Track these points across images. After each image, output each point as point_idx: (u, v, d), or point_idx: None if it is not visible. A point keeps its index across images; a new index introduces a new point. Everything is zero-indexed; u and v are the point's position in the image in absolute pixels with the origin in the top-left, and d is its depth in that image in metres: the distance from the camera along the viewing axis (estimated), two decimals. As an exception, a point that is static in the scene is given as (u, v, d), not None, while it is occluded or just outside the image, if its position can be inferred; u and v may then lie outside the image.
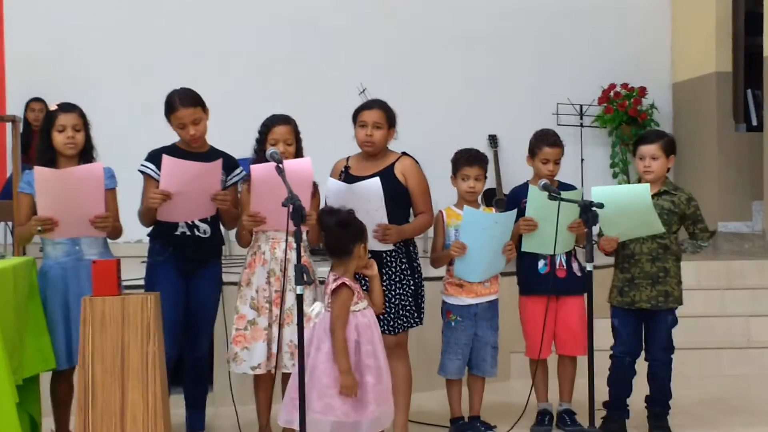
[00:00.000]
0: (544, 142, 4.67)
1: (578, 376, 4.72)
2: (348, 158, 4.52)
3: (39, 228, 4.01)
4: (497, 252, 4.47)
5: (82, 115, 4.24)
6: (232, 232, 4.58)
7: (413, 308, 4.38)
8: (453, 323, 4.61)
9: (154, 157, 4.33)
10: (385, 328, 4.25)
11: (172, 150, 4.35)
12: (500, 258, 4.51)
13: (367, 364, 3.80)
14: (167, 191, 4.10)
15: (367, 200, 4.11)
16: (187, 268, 4.37)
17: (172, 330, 4.20)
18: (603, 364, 4.52)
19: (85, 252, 4.20)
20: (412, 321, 4.39)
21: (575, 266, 4.73)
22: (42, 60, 8.40)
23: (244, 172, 4.45)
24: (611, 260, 4.77)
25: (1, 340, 3.53)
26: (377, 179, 4.18)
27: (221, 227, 4.50)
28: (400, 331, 4.34)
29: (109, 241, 4.34)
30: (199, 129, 4.34)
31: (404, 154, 4.51)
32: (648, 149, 4.58)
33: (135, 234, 4.48)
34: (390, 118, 4.40)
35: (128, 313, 3.65)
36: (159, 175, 4.23)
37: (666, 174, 4.66)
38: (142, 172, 4.36)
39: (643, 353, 4.65)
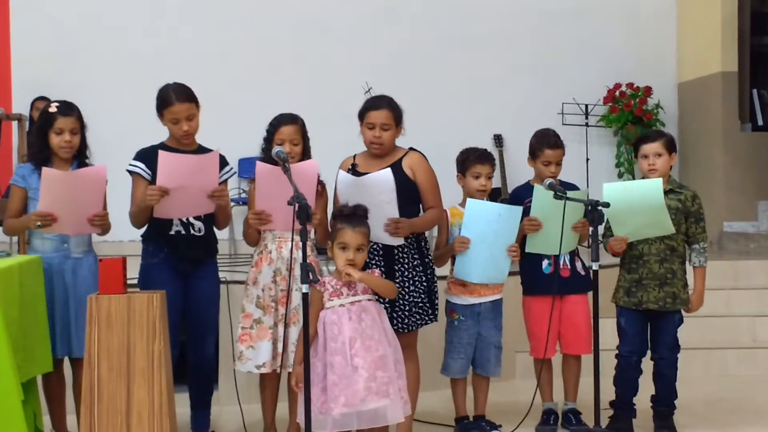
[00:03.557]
0: (546, 144, 4.66)
1: (583, 375, 4.72)
2: (355, 156, 4.51)
3: (39, 223, 4.02)
4: (500, 251, 4.45)
5: (80, 118, 4.25)
6: (239, 232, 4.58)
7: (426, 305, 4.34)
8: (456, 322, 4.61)
9: (143, 156, 4.31)
10: (399, 325, 4.22)
11: (162, 148, 4.30)
12: (502, 261, 4.48)
13: (331, 362, 3.79)
14: (165, 187, 4.07)
15: (379, 192, 4.08)
16: (184, 268, 4.36)
17: (171, 331, 4.19)
18: (608, 363, 4.52)
19: (73, 250, 4.23)
20: (426, 318, 4.35)
21: (578, 265, 4.73)
22: (47, 59, 8.41)
23: (234, 170, 4.46)
24: (617, 260, 4.76)
25: (7, 337, 3.54)
26: (389, 170, 4.13)
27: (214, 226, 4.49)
28: (414, 328, 4.30)
29: (113, 238, 4.36)
30: (192, 125, 4.31)
31: (412, 149, 4.49)
32: (651, 147, 4.58)
33: (138, 232, 4.48)
34: (397, 117, 4.36)
35: (134, 311, 3.67)
36: (149, 174, 4.23)
37: (669, 172, 4.66)
38: (131, 172, 4.32)
39: (649, 353, 4.65)
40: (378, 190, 4.09)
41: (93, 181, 4.07)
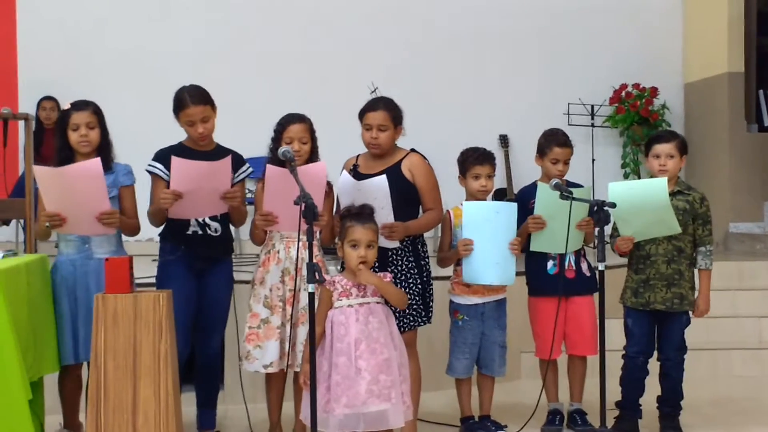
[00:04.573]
0: (555, 142, 4.67)
1: (589, 376, 4.72)
2: (357, 156, 4.53)
3: (47, 224, 4.03)
4: (504, 249, 4.46)
5: (97, 112, 4.26)
6: (244, 231, 4.60)
7: (420, 307, 4.36)
8: (460, 322, 4.61)
9: (162, 157, 4.33)
10: None
11: (179, 149, 4.35)
12: (509, 259, 4.49)
13: (335, 362, 3.78)
14: (178, 191, 4.10)
15: (374, 197, 4.10)
16: (199, 266, 4.37)
17: (183, 328, 4.22)
18: (614, 364, 4.51)
19: (95, 251, 4.23)
20: (419, 320, 4.37)
21: (584, 266, 4.73)
22: (54, 59, 8.42)
23: (251, 169, 4.47)
24: (622, 260, 4.76)
25: (14, 337, 3.55)
26: (384, 177, 4.16)
27: (230, 225, 4.51)
28: (406, 330, 4.30)
29: (123, 238, 4.37)
30: (208, 127, 4.33)
31: (413, 150, 4.49)
32: (664, 148, 4.57)
33: (146, 232, 4.49)
34: (395, 118, 4.37)
35: (140, 310, 3.67)
36: (167, 174, 4.23)
37: (678, 174, 4.66)
38: (150, 172, 4.36)
39: (655, 353, 4.65)
40: (374, 195, 4.12)
41: (87, 176, 3.99)
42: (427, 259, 4.46)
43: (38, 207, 4.23)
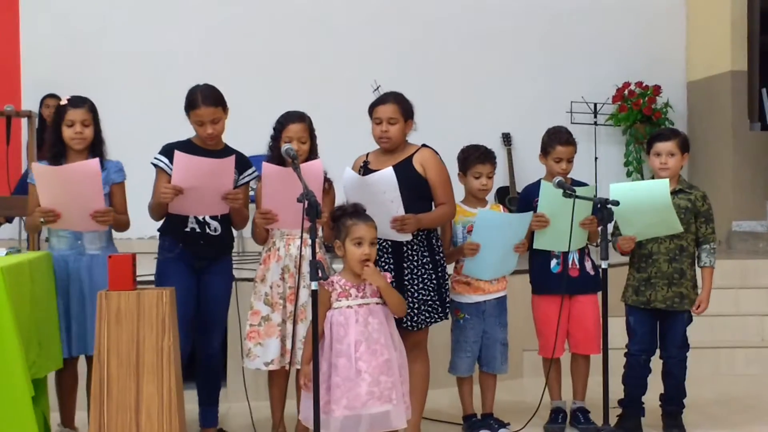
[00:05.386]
0: (557, 140, 4.67)
1: (592, 374, 4.72)
2: (368, 154, 4.51)
3: (42, 219, 4.05)
4: (509, 250, 4.47)
5: (92, 110, 4.27)
6: (246, 229, 4.59)
7: (436, 303, 4.31)
8: (461, 321, 4.61)
9: (168, 151, 4.33)
10: (408, 323, 4.20)
11: (187, 145, 4.35)
12: (511, 256, 4.50)
13: (335, 364, 3.77)
14: (179, 186, 4.10)
15: (382, 191, 4.07)
16: (198, 264, 4.37)
17: (183, 326, 4.21)
18: (617, 362, 4.51)
19: (87, 247, 4.25)
20: (436, 316, 4.32)
21: (588, 265, 4.72)
22: (57, 56, 8.43)
23: (256, 173, 4.46)
24: (626, 259, 4.75)
25: (17, 334, 3.55)
26: (390, 169, 4.11)
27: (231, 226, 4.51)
28: (423, 326, 4.27)
29: (122, 236, 4.38)
30: (217, 128, 4.33)
31: (424, 145, 4.47)
32: (665, 146, 4.57)
33: (148, 230, 4.49)
34: (405, 111, 4.35)
35: (143, 307, 3.67)
36: (171, 169, 4.24)
37: (680, 172, 4.66)
38: (155, 165, 4.36)
39: (658, 351, 4.64)
40: (382, 189, 4.09)
41: (85, 175, 4.03)
42: (441, 254, 4.40)
43: (30, 200, 4.24)
